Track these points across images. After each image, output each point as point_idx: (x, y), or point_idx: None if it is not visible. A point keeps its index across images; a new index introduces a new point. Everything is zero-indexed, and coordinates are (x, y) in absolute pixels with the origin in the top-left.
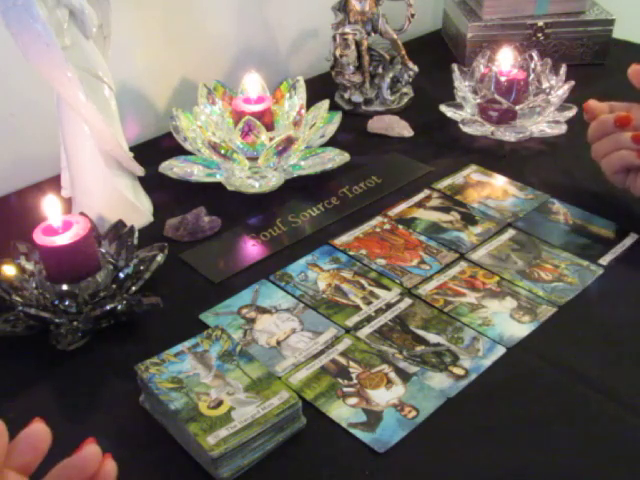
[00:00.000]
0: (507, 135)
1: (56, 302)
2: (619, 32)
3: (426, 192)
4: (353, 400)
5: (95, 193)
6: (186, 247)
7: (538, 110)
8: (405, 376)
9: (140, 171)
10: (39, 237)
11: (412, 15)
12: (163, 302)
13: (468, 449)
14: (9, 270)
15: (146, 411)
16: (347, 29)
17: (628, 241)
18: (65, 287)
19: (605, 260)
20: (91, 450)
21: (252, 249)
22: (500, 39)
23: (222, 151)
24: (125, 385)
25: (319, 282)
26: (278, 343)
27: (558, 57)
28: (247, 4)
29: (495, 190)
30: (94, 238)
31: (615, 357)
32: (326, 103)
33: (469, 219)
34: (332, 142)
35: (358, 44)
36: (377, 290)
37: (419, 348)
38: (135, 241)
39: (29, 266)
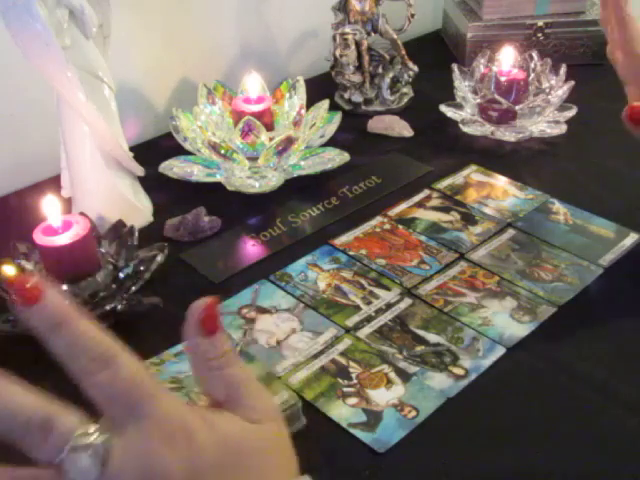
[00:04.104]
0: (507, 135)
1: None
2: None
3: (426, 192)
4: (353, 400)
5: (95, 193)
6: (186, 247)
7: (538, 110)
8: (405, 376)
9: (140, 171)
10: (39, 237)
11: (412, 15)
12: (163, 302)
13: (468, 449)
14: (9, 270)
15: None
16: (347, 29)
17: (628, 241)
18: (65, 287)
19: (605, 260)
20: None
21: (252, 249)
22: (500, 39)
23: (222, 151)
24: None
25: (319, 282)
26: (278, 343)
27: (558, 57)
28: (247, 4)
29: (495, 190)
30: (94, 238)
31: (615, 357)
32: (326, 103)
33: (469, 219)
34: (332, 142)
35: (358, 44)
36: (377, 290)
37: (419, 348)
38: (135, 241)
39: (29, 266)
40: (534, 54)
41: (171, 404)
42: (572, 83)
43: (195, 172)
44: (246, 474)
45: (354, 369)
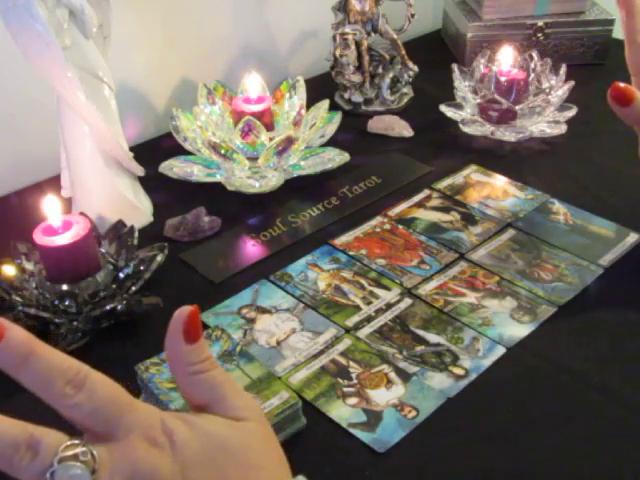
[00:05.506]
0: (507, 135)
1: (56, 302)
2: (619, 32)
3: (426, 192)
4: (353, 400)
5: (95, 193)
6: (186, 247)
7: (538, 110)
8: (405, 376)
9: (140, 171)
10: (39, 237)
11: (412, 15)
12: (163, 302)
13: (468, 449)
14: (9, 270)
15: None
16: (347, 29)
17: (628, 241)
18: (65, 287)
19: (605, 260)
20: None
21: (252, 249)
22: (500, 39)
23: (222, 151)
24: (125, 385)
25: (319, 282)
26: (278, 343)
27: (558, 57)
28: (247, 4)
29: (495, 190)
30: (94, 238)
31: (615, 357)
32: (326, 103)
33: (469, 219)
34: (332, 142)
35: (358, 44)
36: (377, 290)
37: (419, 348)
38: (135, 241)
39: (29, 266)
40: (534, 54)
41: (148, 411)
42: (572, 83)
43: (195, 172)
44: (235, 470)
45: (354, 369)
